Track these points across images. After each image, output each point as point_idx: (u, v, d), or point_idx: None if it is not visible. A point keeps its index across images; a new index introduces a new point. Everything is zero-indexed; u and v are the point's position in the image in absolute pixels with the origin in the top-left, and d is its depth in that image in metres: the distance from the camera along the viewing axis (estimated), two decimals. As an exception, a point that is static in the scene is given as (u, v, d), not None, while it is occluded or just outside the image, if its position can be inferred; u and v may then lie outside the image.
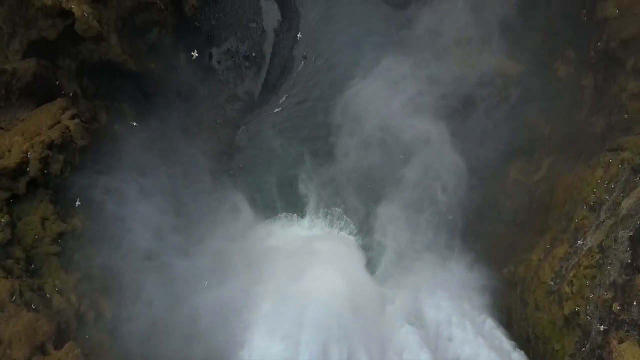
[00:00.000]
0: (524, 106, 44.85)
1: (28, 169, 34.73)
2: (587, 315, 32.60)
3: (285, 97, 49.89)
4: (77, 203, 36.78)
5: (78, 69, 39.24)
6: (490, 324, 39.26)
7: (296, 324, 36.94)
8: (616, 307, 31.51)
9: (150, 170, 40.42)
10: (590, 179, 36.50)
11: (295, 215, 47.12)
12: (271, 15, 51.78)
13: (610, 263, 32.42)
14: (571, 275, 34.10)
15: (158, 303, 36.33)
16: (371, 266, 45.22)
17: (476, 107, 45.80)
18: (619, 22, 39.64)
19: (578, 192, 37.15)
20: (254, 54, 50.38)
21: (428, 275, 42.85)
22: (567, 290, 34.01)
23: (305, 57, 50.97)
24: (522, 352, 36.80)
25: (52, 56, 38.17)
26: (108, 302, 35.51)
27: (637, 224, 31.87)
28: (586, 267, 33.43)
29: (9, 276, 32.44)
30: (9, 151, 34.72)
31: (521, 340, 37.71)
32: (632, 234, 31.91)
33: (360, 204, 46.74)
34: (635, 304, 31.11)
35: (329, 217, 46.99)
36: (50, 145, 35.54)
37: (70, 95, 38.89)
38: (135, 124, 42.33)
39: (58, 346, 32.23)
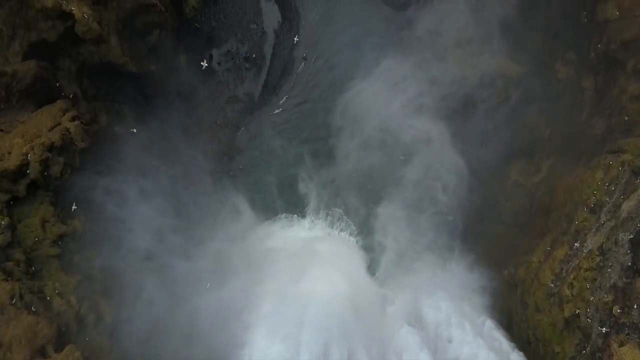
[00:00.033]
0: (524, 107, 44.78)
1: (28, 171, 34.70)
2: (588, 317, 32.61)
3: (285, 98, 49.87)
4: (73, 207, 36.70)
5: (78, 70, 39.18)
6: (489, 325, 39.27)
7: (296, 324, 37.01)
8: (616, 309, 31.49)
9: (151, 171, 40.46)
10: (591, 180, 36.47)
11: (295, 216, 47.12)
12: (271, 16, 51.73)
13: (611, 265, 32.45)
14: (571, 277, 34.12)
15: (158, 304, 36.43)
16: (371, 267, 45.18)
17: (476, 107, 45.71)
18: (619, 23, 39.53)
19: (578, 193, 37.13)
20: (254, 55, 50.34)
21: (428, 275, 42.86)
22: (567, 292, 34.02)
23: (305, 58, 50.91)
24: (521, 353, 36.86)
25: (52, 58, 38.08)
26: (108, 304, 35.59)
27: (638, 227, 31.87)
28: (586, 270, 33.43)
29: (9, 278, 32.50)
30: (9, 153, 34.66)
31: (521, 342, 37.72)
32: (632, 236, 31.91)
33: (360, 205, 46.70)
34: (635, 306, 31.08)
35: (329, 217, 47.01)
36: (50, 147, 35.51)
37: (70, 96, 38.82)
38: (134, 130, 42.31)
39: (58, 349, 32.27)
